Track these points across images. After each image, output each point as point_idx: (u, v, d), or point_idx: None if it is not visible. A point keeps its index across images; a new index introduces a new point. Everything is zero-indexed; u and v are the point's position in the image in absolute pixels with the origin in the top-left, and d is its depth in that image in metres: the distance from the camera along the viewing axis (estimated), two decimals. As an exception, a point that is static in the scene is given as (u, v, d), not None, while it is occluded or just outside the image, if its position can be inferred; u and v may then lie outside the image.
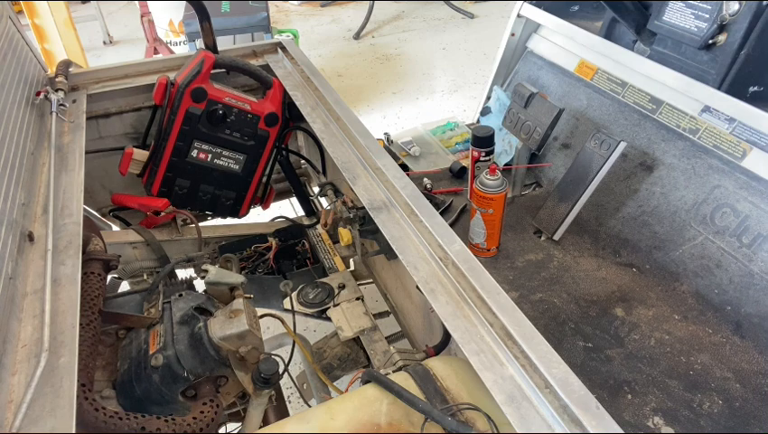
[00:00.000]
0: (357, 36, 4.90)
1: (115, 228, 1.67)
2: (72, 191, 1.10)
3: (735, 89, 1.37)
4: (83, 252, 1.02)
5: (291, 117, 1.61)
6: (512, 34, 2.01)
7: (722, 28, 1.40)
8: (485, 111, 2.07)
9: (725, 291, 1.33)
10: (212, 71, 1.47)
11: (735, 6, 1.37)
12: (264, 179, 1.70)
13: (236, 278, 1.11)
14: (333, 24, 5.25)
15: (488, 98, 2.11)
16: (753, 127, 1.31)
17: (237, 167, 1.60)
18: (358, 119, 1.35)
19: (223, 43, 1.61)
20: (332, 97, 1.44)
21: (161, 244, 1.47)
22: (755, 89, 1.36)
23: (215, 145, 1.54)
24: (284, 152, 1.71)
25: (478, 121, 2.12)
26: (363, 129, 1.31)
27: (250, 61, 1.65)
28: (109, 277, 1.32)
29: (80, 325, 0.85)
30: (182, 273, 1.37)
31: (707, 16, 1.42)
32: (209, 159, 1.55)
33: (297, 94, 1.52)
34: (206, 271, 1.10)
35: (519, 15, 1.97)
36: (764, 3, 1.31)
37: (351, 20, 5.19)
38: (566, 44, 1.85)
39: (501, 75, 2.11)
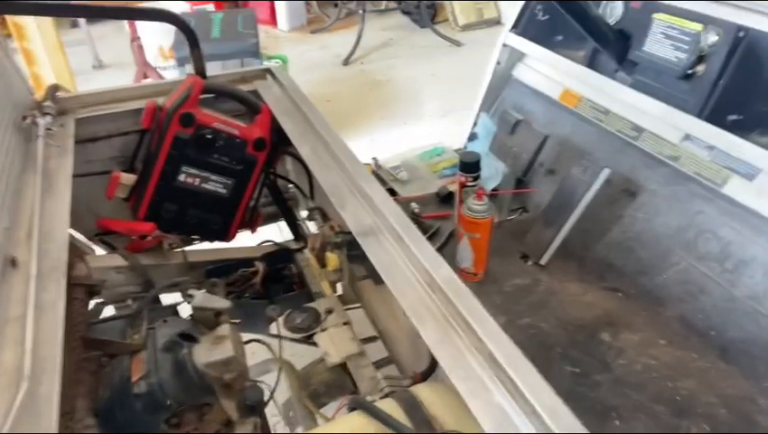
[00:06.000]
0: (346, 62, 4.96)
1: (101, 252, 1.65)
2: (58, 215, 1.09)
3: (715, 118, 1.40)
4: (67, 277, 1.01)
5: (279, 142, 1.62)
6: (498, 63, 2.05)
7: (701, 59, 1.44)
8: (472, 137, 2.09)
9: (710, 316, 1.34)
10: (201, 96, 1.48)
11: (713, 38, 1.41)
12: (252, 203, 1.70)
13: (221, 303, 1.10)
14: (323, 51, 5.31)
15: (475, 124, 2.13)
16: (733, 155, 1.34)
17: (224, 191, 1.59)
18: (345, 144, 1.35)
19: (213, 69, 1.62)
20: (321, 122, 1.46)
21: (146, 269, 1.46)
22: (734, 117, 1.40)
23: (203, 169, 1.54)
24: (272, 176, 1.71)
25: (465, 147, 2.14)
26: (351, 154, 1.32)
27: (239, 87, 1.66)
28: (93, 302, 1.30)
29: (62, 352, 0.83)
30: (168, 298, 1.36)
31: (686, 47, 1.46)
32: (196, 183, 1.55)
33: (286, 119, 1.53)
34: (191, 296, 1.09)
35: (504, 45, 2.01)
36: (741, 34, 1.36)
37: (339, 46, 5.25)
38: (551, 73, 1.89)
39: (487, 102, 2.14)
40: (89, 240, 1.66)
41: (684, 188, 1.45)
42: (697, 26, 1.43)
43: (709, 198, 1.39)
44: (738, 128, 1.36)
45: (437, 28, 5.47)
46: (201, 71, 1.56)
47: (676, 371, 1.27)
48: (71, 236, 1.51)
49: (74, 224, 1.64)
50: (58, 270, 0.95)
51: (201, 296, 1.09)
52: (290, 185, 1.92)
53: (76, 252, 1.18)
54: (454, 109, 4.09)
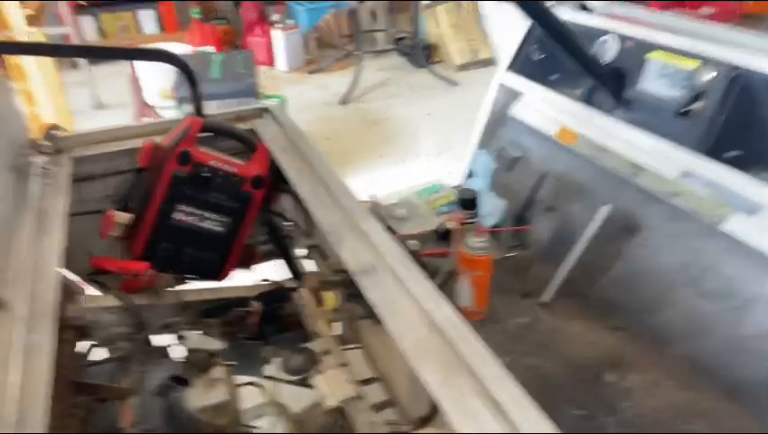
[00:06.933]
0: (344, 101, 5.02)
1: (94, 292, 1.62)
2: (50, 255, 1.07)
3: (714, 154, 1.40)
4: (58, 318, 0.99)
5: (277, 180, 1.62)
6: (495, 101, 2.07)
7: (696, 96, 1.45)
8: (470, 174, 2.10)
9: (717, 355, 1.31)
10: (199, 135, 1.48)
11: (708, 76, 1.42)
12: (248, 241, 1.68)
13: (215, 344, 1.07)
14: (321, 90, 5.39)
15: (473, 161, 2.14)
16: (733, 191, 1.33)
17: (221, 229, 1.58)
18: (343, 182, 1.35)
19: (211, 108, 1.63)
20: (318, 160, 1.45)
21: (139, 309, 1.43)
22: (733, 153, 1.40)
23: (200, 207, 1.52)
24: (269, 214, 1.70)
25: (463, 184, 2.14)
26: (348, 192, 1.31)
27: (237, 125, 1.67)
28: (84, 343, 1.27)
29: (50, 397, 0.80)
30: (161, 339, 1.32)
31: (682, 85, 1.47)
32: (192, 222, 1.53)
33: (284, 157, 1.53)
34: (185, 338, 1.06)
35: (500, 83, 2.03)
36: (735, 73, 1.37)
37: (338, 86, 5.33)
38: (548, 111, 1.90)
39: (484, 140, 2.15)
40: (82, 279, 1.63)
41: (685, 225, 1.44)
42: (692, 64, 1.44)
43: (710, 234, 1.38)
44: (736, 165, 1.36)
45: (433, 68, 5.58)
46: (199, 110, 1.57)
47: (685, 412, 1.23)
48: (63, 276, 1.49)
49: (67, 264, 1.62)
50: (48, 312, 0.93)
51: (194, 337, 1.06)
52: (288, 223, 1.91)
53: (68, 292, 1.15)
54: (450, 147, 4.12)
